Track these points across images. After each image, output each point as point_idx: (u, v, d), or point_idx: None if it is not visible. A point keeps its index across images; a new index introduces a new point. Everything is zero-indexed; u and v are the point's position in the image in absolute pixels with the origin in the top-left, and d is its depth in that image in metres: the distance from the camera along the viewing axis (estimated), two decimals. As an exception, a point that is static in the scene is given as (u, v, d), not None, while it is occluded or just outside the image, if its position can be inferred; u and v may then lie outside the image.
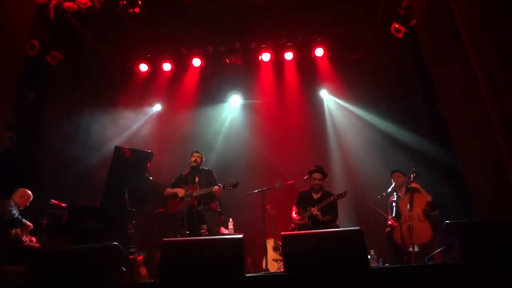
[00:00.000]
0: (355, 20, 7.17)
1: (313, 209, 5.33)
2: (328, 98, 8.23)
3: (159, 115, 8.46)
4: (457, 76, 4.76)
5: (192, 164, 5.73)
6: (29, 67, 6.32)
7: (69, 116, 7.53)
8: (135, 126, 8.15)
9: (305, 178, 5.73)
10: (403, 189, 5.53)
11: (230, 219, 6.49)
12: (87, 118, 7.48)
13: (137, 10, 6.60)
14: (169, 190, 5.74)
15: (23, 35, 5.43)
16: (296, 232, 5.15)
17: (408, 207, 5.13)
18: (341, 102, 8.06)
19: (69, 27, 6.83)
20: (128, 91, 8.18)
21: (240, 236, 2.99)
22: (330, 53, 7.87)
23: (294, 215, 5.64)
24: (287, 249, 2.87)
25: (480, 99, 4.16)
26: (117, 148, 6.63)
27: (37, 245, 5.45)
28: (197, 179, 5.66)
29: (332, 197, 5.35)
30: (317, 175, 5.60)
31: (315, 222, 5.34)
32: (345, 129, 7.84)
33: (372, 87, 7.53)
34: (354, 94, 7.76)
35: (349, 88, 7.79)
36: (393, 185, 5.53)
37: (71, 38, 7.15)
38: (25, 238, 5.39)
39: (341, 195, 5.32)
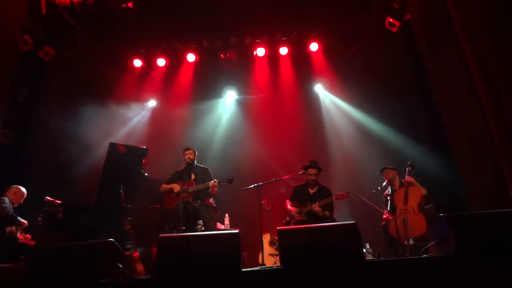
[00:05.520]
0: (350, 14, 7.15)
1: (314, 205, 5.31)
2: (323, 93, 8.23)
3: (154, 111, 8.42)
4: (452, 70, 4.75)
5: (187, 161, 5.73)
6: (22, 62, 6.26)
7: (63, 111, 7.46)
8: (130, 122, 8.11)
9: (300, 173, 5.74)
10: (397, 183, 5.56)
11: (226, 215, 6.47)
12: (81, 114, 7.40)
13: (130, 5, 6.55)
14: (165, 186, 5.75)
15: (16, 31, 5.36)
16: (292, 226, 5.16)
17: (403, 200, 5.17)
18: (336, 96, 8.06)
19: (62, 22, 6.77)
20: (122, 87, 8.12)
21: (236, 231, 2.99)
22: (325, 47, 7.86)
23: (289, 207, 5.64)
24: (283, 243, 2.88)
25: (475, 92, 4.16)
26: (112, 145, 6.58)
27: (32, 242, 5.42)
28: (193, 175, 5.66)
29: (334, 197, 5.35)
30: (312, 171, 5.60)
31: (311, 218, 5.36)
32: (340, 124, 7.85)
33: (367, 82, 7.52)
34: (349, 89, 7.75)
35: (344, 82, 7.78)
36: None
37: (64, 33, 7.09)
38: (19, 236, 5.36)
39: (342, 195, 5.32)
